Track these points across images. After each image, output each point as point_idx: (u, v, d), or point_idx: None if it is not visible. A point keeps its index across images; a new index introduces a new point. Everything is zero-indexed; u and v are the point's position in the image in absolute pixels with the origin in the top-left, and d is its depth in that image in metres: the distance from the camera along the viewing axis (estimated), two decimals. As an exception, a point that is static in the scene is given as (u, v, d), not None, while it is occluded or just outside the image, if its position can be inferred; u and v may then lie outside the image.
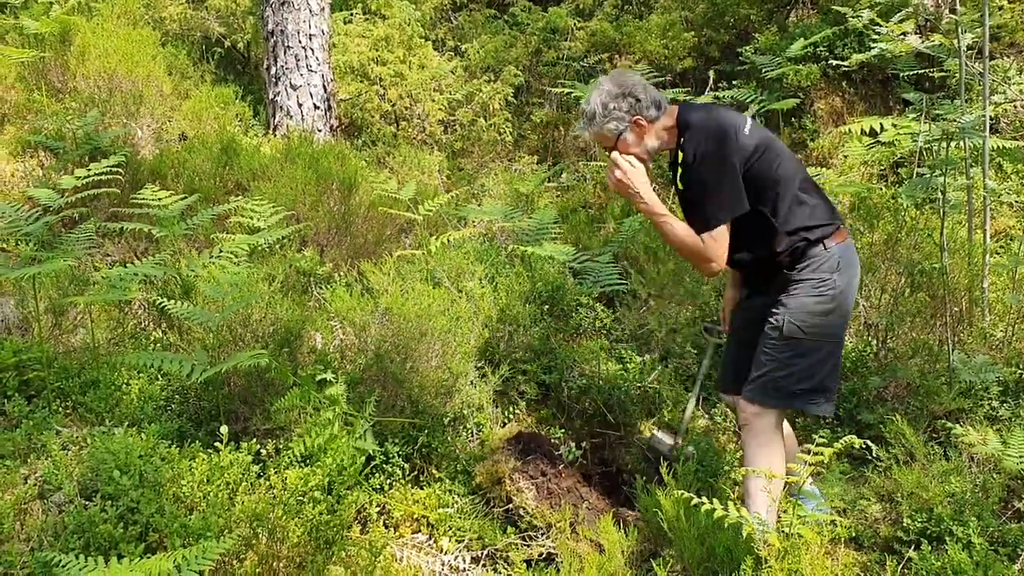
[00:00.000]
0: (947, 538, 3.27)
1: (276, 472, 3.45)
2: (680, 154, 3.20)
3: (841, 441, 2.43)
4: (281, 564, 3.06)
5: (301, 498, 3.20)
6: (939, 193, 4.10)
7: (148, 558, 2.49)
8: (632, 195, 3.28)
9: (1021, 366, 4.30)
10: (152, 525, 2.88)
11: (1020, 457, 3.15)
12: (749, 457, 3.22)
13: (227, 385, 3.76)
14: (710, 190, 3.14)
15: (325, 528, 3.12)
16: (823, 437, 2.58)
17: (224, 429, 3.25)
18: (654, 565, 2.97)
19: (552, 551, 3.35)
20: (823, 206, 3.27)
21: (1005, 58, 7.07)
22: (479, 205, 6.18)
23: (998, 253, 5.11)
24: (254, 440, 3.39)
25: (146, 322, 4.59)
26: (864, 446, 2.46)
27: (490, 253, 5.10)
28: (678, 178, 3.22)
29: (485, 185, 6.70)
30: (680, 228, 3.22)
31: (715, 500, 2.64)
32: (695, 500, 2.62)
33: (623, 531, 3.25)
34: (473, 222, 5.89)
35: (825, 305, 3.16)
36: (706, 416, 4.51)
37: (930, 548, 3.24)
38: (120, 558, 2.59)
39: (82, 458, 3.28)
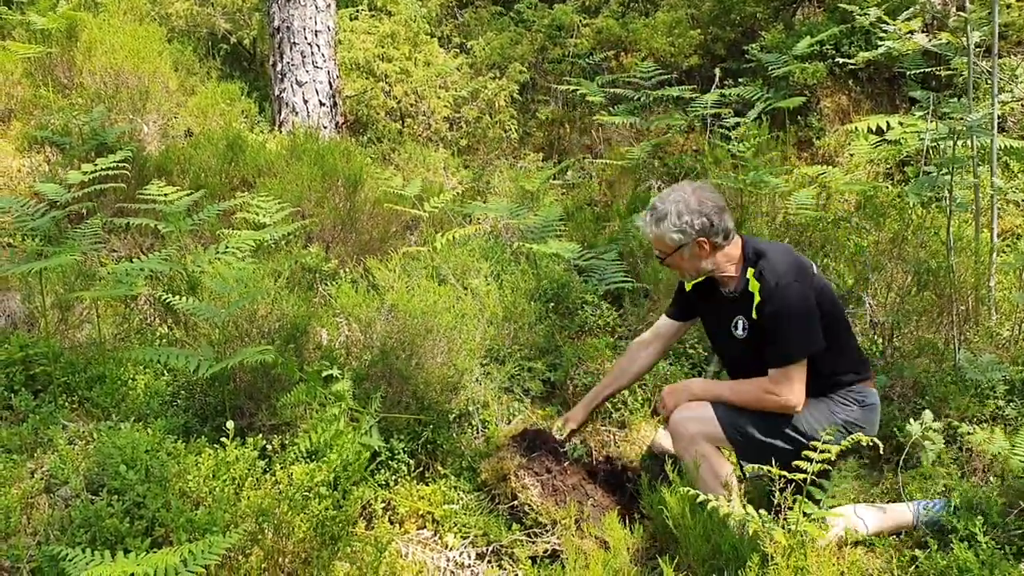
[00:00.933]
0: (952, 537, 3.27)
1: (282, 467, 3.46)
2: (756, 283, 3.12)
3: (849, 438, 2.42)
4: (287, 559, 3.06)
5: (307, 493, 3.21)
6: (946, 192, 4.09)
7: (154, 552, 2.49)
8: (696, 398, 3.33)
9: (1028, 365, 4.29)
10: (158, 520, 2.89)
11: (1029, 456, 3.14)
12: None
13: (233, 381, 3.76)
14: (795, 322, 3.10)
15: (331, 524, 3.12)
16: (830, 434, 2.58)
17: (230, 424, 3.25)
18: (660, 562, 2.97)
19: (557, 548, 3.34)
20: (857, 354, 3.37)
21: (1012, 57, 7.05)
22: (484, 202, 6.17)
23: (1005, 252, 5.09)
24: (260, 436, 3.39)
25: (152, 317, 4.60)
26: (871, 443, 2.45)
27: (495, 250, 5.09)
28: (753, 309, 3.14)
29: (490, 182, 6.70)
30: (746, 389, 3.24)
31: (720, 498, 2.64)
32: (701, 498, 2.62)
33: (628, 528, 3.24)
34: (479, 219, 5.89)
35: (832, 417, 3.21)
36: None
37: (936, 546, 3.23)
38: (126, 552, 2.59)
39: (88, 453, 3.29)
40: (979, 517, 3.26)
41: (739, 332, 3.30)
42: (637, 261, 5.12)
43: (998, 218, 4.99)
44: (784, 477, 2.54)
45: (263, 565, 2.96)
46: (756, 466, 2.71)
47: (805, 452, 2.56)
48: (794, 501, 2.72)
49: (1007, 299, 4.61)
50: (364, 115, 7.57)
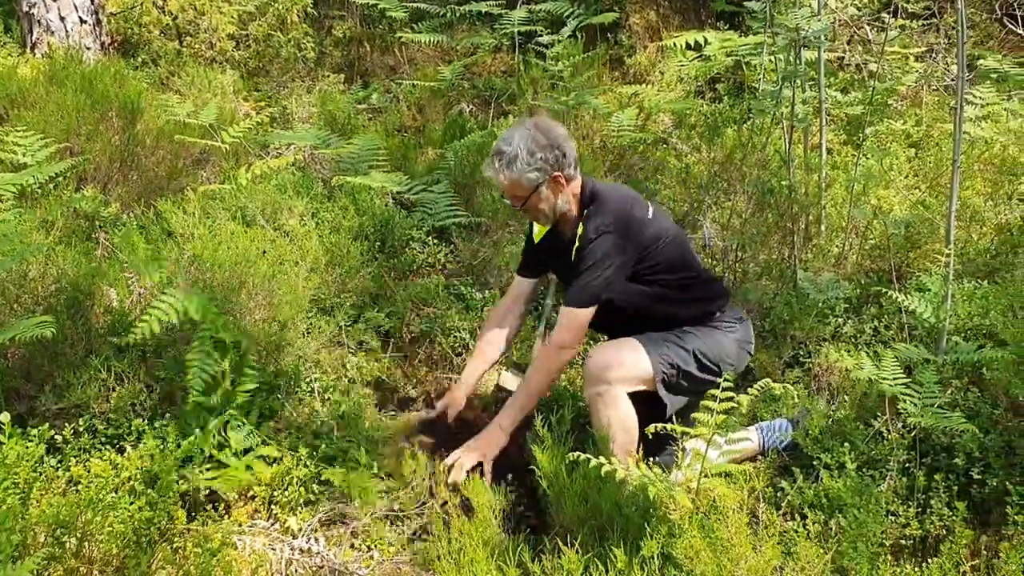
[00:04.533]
0: (817, 465, 3.19)
1: (78, 461, 2.87)
2: (580, 228, 3.05)
3: (758, 384, 2.17)
4: (94, 571, 2.53)
5: (114, 493, 2.66)
6: (789, 106, 3.93)
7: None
8: (491, 450, 3.05)
9: (862, 281, 4.29)
10: (-81, 554, 2.27)
11: (895, 380, 3.06)
12: None
13: (4, 358, 3.09)
14: (598, 268, 2.99)
15: (145, 526, 2.60)
16: (728, 379, 2.32)
17: (5, 417, 2.63)
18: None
19: (424, 522, 2.97)
20: (715, 279, 3.41)
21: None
22: (288, 130, 5.54)
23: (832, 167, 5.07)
24: (46, 425, 2.78)
25: None
26: (783, 390, 2.23)
27: (307, 185, 4.54)
28: (573, 252, 3.05)
29: (288, 107, 6.04)
30: (538, 373, 3.12)
31: (614, 460, 2.34)
32: (605, 465, 2.30)
33: (502, 488, 2.92)
34: (280, 150, 5.28)
35: (728, 342, 3.21)
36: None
37: (803, 476, 3.14)
38: None
39: None
40: (846, 444, 3.19)
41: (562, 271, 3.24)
42: (474, 191, 4.72)
43: (809, 134, 4.94)
44: (687, 433, 2.27)
45: (67, 588, 2.42)
46: (660, 426, 2.42)
47: (705, 402, 2.30)
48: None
49: (836, 214, 4.59)
50: (135, 34, 6.61)
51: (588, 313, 3.03)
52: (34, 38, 6.17)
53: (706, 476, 2.32)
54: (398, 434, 3.36)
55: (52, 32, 6.14)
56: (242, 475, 3.05)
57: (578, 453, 2.48)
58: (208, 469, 3.06)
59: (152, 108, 4.88)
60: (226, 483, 3.04)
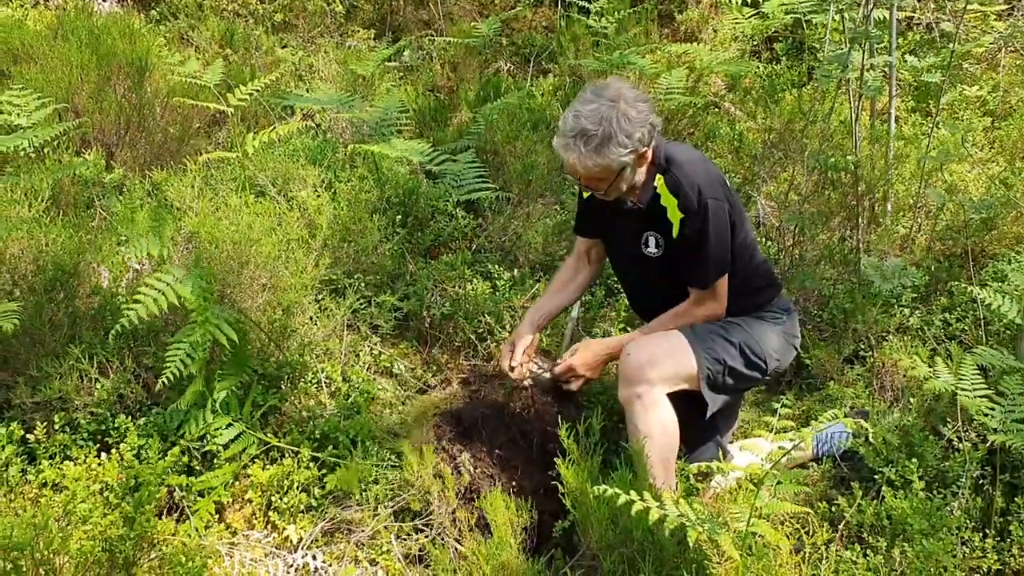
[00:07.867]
0: (879, 479, 2.83)
1: (52, 464, 2.60)
2: (671, 198, 2.53)
3: (825, 416, 1.81)
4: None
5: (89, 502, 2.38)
6: (856, 71, 3.48)
7: None
8: (607, 360, 2.92)
9: (931, 267, 3.86)
10: None
11: (975, 391, 2.66)
12: None
13: (-26, 344, 2.82)
14: (717, 242, 2.71)
15: (120, 543, 2.32)
16: (787, 405, 1.96)
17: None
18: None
19: (436, 536, 2.66)
20: (768, 265, 3.07)
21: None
22: (308, 91, 5.19)
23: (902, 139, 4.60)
24: (16, 423, 2.51)
25: None
26: (856, 426, 1.86)
27: (325, 152, 4.19)
28: (675, 227, 2.57)
29: (314, 65, 5.69)
30: (675, 323, 2.85)
31: (650, 490, 1.99)
32: (637, 502, 1.95)
33: (523, 502, 2.59)
34: (302, 112, 4.94)
35: (775, 334, 2.92)
36: (587, 337, 3.87)
37: (862, 493, 2.77)
38: None
39: None
40: (913, 460, 2.81)
41: (651, 250, 2.84)
42: (503, 159, 4.35)
43: (872, 101, 4.47)
44: (724, 471, 1.91)
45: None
46: (704, 465, 2.06)
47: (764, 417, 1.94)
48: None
49: (903, 191, 4.15)
50: (155, -15, 6.30)
51: (725, 281, 2.81)
52: (48, -12, 5.89)
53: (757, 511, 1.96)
54: (420, 418, 3.04)
55: (66, -18, 5.85)
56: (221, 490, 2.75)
57: (604, 488, 2.12)
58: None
59: (162, 65, 4.56)
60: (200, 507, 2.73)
